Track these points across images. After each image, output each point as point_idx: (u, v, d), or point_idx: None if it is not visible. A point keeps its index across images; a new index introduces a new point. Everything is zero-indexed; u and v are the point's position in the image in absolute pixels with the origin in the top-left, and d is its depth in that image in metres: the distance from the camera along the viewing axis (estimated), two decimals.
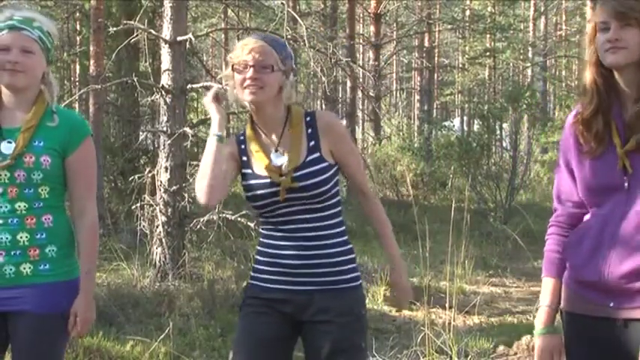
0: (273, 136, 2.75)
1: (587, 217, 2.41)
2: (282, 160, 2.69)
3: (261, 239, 2.79)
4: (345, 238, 2.76)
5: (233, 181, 2.83)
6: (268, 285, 2.73)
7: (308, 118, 2.75)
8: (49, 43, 2.76)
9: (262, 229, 2.79)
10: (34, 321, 2.66)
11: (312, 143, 2.71)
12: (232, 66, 2.69)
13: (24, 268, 2.67)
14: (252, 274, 2.81)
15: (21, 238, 2.67)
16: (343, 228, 2.76)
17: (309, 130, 2.73)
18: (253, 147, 2.74)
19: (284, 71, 2.71)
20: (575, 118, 2.41)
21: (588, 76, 2.37)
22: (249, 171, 2.74)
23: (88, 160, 2.78)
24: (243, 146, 2.77)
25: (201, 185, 2.62)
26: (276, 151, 2.72)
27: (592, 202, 2.38)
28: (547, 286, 2.48)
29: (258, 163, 2.72)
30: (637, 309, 2.26)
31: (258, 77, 2.64)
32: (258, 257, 2.79)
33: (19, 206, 2.67)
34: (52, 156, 2.69)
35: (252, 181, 2.71)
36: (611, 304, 2.29)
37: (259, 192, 2.69)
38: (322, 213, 2.70)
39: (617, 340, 2.31)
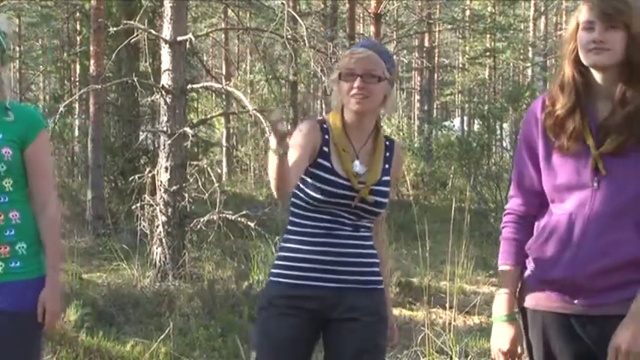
0: (356, 143, 2.77)
1: (551, 213, 2.38)
2: (361, 170, 2.74)
3: (288, 236, 2.77)
4: (372, 242, 2.82)
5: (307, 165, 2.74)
6: (295, 281, 2.71)
7: (387, 142, 2.84)
8: (5, 44, 2.77)
9: (292, 225, 2.77)
10: (8, 320, 2.66)
11: (387, 166, 2.80)
12: (339, 74, 2.72)
13: None
14: (276, 271, 2.77)
15: None
16: (372, 233, 2.83)
17: (387, 154, 2.81)
18: (340, 144, 2.74)
19: (389, 80, 2.74)
20: (547, 110, 2.38)
21: (567, 72, 2.35)
22: (328, 164, 2.72)
23: (45, 152, 2.80)
24: (327, 136, 2.75)
25: (275, 190, 2.55)
26: (357, 158, 2.75)
27: (556, 198, 2.37)
28: (506, 272, 2.46)
29: (341, 163, 2.72)
30: (601, 306, 2.27)
31: (364, 87, 2.67)
32: (285, 254, 2.76)
33: None
34: (12, 148, 2.70)
35: (330, 177, 2.70)
36: (575, 302, 2.31)
37: (334, 190, 2.68)
38: (366, 224, 2.77)
39: (580, 336, 2.32)
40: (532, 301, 2.41)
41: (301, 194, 2.74)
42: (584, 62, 2.31)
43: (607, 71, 2.30)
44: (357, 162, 2.74)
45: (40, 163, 2.76)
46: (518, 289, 2.46)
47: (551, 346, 2.38)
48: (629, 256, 2.24)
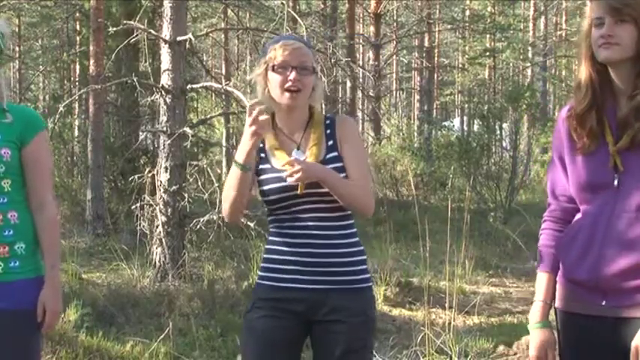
0: (295, 136, 2.77)
1: (578, 214, 2.41)
2: (300, 157, 2.70)
3: (270, 238, 2.78)
4: (356, 239, 2.77)
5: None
6: (280, 284, 2.72)
7: (328, 121, 2.79)
8: (2, 44, 2.78)
9: (272, 227, 2.78)
10: (8, 319, 2.67)
11: (331, 142, 2.75)
12: (272, 67, 2.70)
13: None
14: (261, 273, 2.79)
15: None
16: (354, 230, 2.77)
17: (328, 131, 2.77)
18: (273, 144, 2.75)
19: (316, 72, 2.76)
20: (569, 113, 2.41)
21: (584, 71, 2.37)
22: (268, 166, 2.74)
23: (43, 152, 2.81)
24: (261, 144, 2.77)
25: (225, 208, 2.72)
26: (298, 148, 2.74)
27: (582, 199, 2.38)
28: (542, 280, 2.48)
29: (278, 159, 2.72)
30: (628, 307, 2.27)
31: (300, 79, 2.67)
32: (269, 256, 2.77)
33: None
34: (11, 149, 2.70)
35: (271, 175, 2.72)
36: (603, 303, 2.31)
37: (277, 185, 2.69)
38: (334, 213, 2.71)
39: (608, 338, 2.32)
40: (562, 302, 2.43)
41: (264, 202, 2.77)
42: (597, 59, 2.32)
43: (620, 67, 2.31)
44: (295, 151, 2.72)
45: (39, 163, 2.77)
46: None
47: (580, 347, 2.39)
48: None
